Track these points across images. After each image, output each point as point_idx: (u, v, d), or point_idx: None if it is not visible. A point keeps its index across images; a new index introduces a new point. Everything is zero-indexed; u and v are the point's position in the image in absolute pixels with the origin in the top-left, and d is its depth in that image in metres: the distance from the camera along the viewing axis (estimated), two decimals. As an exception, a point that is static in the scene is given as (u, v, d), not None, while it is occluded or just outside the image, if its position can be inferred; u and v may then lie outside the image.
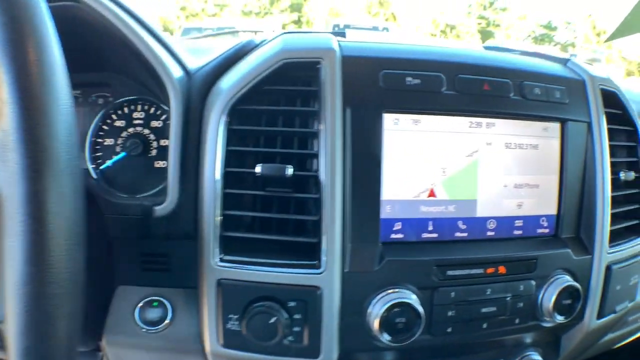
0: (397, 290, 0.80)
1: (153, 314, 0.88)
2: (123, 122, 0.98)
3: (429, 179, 0.85)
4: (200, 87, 0.88)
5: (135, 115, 0.99)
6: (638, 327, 1.24)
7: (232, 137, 0.83)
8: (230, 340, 0.81)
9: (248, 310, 0.78)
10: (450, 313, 0.84)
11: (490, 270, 0.86)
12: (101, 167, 0.96)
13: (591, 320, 0.98)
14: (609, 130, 1.00)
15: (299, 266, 0.80)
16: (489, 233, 0.89)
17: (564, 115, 0.92)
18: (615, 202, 1.02)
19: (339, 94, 0.80)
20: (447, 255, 0.84)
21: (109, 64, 0.97)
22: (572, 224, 0.94)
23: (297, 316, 0.79)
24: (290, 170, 0.79)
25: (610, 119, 0.99)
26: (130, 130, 0.98)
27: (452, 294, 0.83)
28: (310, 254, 0.80)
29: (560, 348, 1.03)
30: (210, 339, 0.83)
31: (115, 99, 0.99)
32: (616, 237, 1.01)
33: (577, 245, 0.94)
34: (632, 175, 1.01)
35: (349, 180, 0.80)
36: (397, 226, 0.84)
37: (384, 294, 0.80)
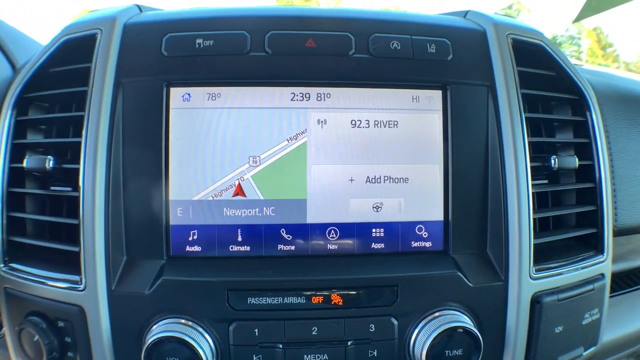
0: (175, 321, 0.60)
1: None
2: None
3: (234, 172, 0.63)
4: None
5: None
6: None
7: (22, 129, 0.69)
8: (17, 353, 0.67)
9: (21, 324, 0.64)
10: (255, 358, 0.60)
11: (316, 299, 0.60)
12: None
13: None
14: (534, 99, 0.69)
15: (62, 280, 0.63)
16: (330, 247, 0.64)
17: (445, 77, 0.64)
18: (543, 201, 0.71)
19: (112, 68, 0.63)
20: (254, 277, 0.61)
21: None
22: (471, 234, 0.65)
23: (67, 339, 0.63)
24: (50, 163, 0.63)
25: (535, 82, 0.69)
26: None
27: (256, 331, 0.60)
28: (72, 262, 0.63)
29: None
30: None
31: None
32: (555, 254, 0.68)
33: (479, 267, 0.64)
34: (573, 161, 0.68)
35: (121, 175, 0.62)
36: (193, 235, 0.63)
37: (156, 324, 0.60)
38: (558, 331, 0.66)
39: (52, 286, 0.63)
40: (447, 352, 0.60)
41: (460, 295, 0.62)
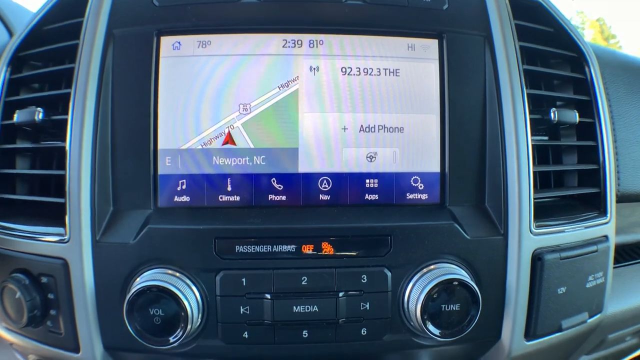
0: (161, 271, 0.57)
1: None
2: None
3: (223, 120, 0.61)
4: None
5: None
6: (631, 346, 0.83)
7: (15, 88, 0.68)
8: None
9: (3, 282, 0.62)
10: (243, 310, 0.58)
11: (307, 248, 0.58)
12: None
13: (514, 341, 0.63)
14: (533, 55, 0.68)
15: (47, 234, 0.61)
16: (323, 197, 0.62)
17: (440, 26, 0.62)
18: (543, 159, 0.69)
19: (104, 20, 0.62)
20: (242, 225, 0.58)
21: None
22: (469, 187, 0.63)
23: (50, 296, 0.61)
24: (40, 115, 0.62)
25: (533, 37, 0.67)
26: None
27: (244, 281, 0.57)
28: (59, 217, 0.61)
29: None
30: None
31: None
32: (557, 213, 0.66)
33: (477, 220, 0.62)
34: (573, 115, 0.66)
35: (110, 125, 0.60)
36: (181, 185, 0.61)
37: (141, 275, 0.57)
38: (561, 292, 0.63)
39: (37, 240, 0.61)
40: (443, 307, 0.57)
41: (457, 247, 0.60)
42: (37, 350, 0.65)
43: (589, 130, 0.70)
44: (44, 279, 0.60)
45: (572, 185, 0.71)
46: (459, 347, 0.64)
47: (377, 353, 0.61)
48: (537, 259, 0.62)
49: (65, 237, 0.59)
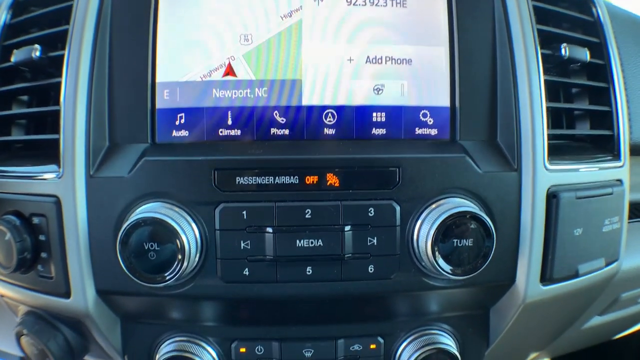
0: (157, 205, 0.54)
1: None
2: None
3: (223, 49, 0.58)
4: None
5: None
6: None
7: (15, 32, 0.66)
8: None
9: None
10: (243, 245, 0.54)
11: (310, 179, 0.55)
12: None
13: (529, 285, 0.60)
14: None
15: (40, 172, 0.58)
16: (327, 131, 0.59)
17: (449, -47, 0.60)
18: (554, 98, 0.66)
19: None
20: (243, 156, 0.55)
21: None
22: (480, 122, 0.60)
23: (42, 237, 0.57)
24: (37, 52, 0.59)
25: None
26: None
27: (244, 214, 0.54)
28: (55, 156, 0.58)
29: (490, 330, 0.66)
30: None
31: None
32: (571, 153, 0.64)
33: (490, 155, 0.59)
34: (584, 53, 0.64)
35: (107, 58, 0.58)
36: (180, 119, 0.58)
37: (136, 209, 0.54)
38: (577, 234, 0.61)
39: (30, 179, 0.58)
40: (455, 241, 0.54)
41: (469, 181, 0.57)
42: (27, 299, 0.62)
43: (599, 72, 0.68)
44: (35, 220, 0.57)
45: (584, 128, 0.68)
46: (470, 292, 0.61)
47: (384, 293, 0.58)
48: (552, 196, 0.59)
49: (59, 173, 0.56)
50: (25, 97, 0.66)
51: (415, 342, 0.62)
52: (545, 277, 0.60)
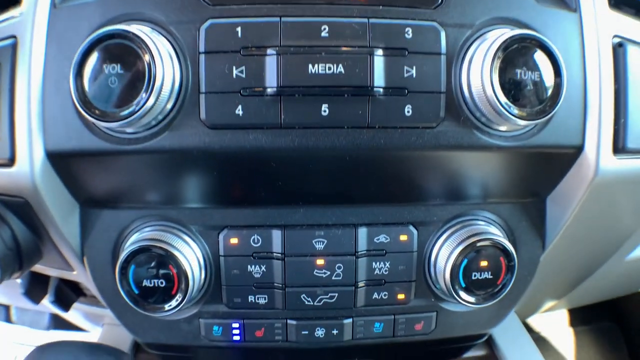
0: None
1: None
2: None
3: None
4: None
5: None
6: None
7: None
8: None
9: None
10: (236, 72, 0.40)
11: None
12: None
13: (600, 154, 0.47)
14: None
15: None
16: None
17: None
18: None
19: None
20: None
21: None
22: None
23: None
24: None
25: None
26: None
27: (238, 30, 0.40)
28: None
29: (547, 226, 0.51)
30: None
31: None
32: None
33: None
34: None
35: None
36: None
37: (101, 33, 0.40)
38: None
39: None
40: (519, 72, 0.41)
41: (522, 12, 0.45)
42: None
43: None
44: None
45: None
46: (527, 167, 0.48)
47: (425, 148, 0.43)
48: (619, 45, 0.48)
49: (21, 9, 0.43)
50: None
51: (458, 233, 0.47)
52: (618, 147, 0.48)
